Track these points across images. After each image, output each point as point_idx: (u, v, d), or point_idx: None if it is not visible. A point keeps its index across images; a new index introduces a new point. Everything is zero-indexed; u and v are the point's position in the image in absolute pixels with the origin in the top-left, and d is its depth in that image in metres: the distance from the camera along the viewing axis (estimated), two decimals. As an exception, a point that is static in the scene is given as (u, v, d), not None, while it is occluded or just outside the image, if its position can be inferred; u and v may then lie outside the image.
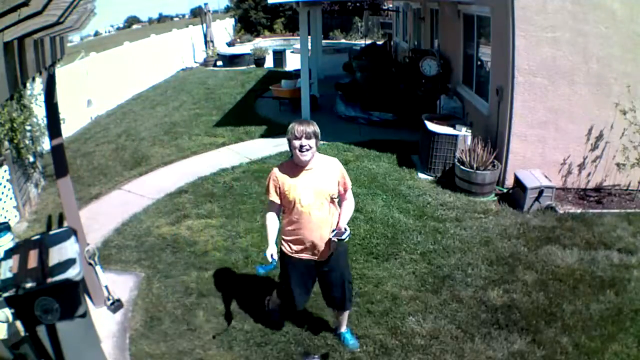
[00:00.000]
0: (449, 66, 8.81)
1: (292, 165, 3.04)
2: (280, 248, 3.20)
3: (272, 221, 3.14)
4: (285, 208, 3.10)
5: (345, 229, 2.98)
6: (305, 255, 3.13)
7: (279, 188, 3.05)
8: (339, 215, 3.12)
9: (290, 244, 3.14)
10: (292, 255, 3.15)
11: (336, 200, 3.13)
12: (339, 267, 3.22)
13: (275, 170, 3.10)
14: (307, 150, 2.92)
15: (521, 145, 5.84)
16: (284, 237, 3.17)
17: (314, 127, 2.95)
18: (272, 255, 3.00)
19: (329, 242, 3.05)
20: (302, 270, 3.20)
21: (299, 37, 11.60)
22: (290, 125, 2.96)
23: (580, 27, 5.37)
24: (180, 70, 17.43)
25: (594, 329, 3.52)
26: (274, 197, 3.08)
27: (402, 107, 9.19)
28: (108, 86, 11.85)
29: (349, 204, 3.19)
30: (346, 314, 3.49)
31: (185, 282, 4.33)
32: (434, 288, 4.11)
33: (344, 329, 3.55)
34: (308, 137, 2.91)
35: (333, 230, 3.00)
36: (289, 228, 3.10)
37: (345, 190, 3.15)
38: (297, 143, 2.92)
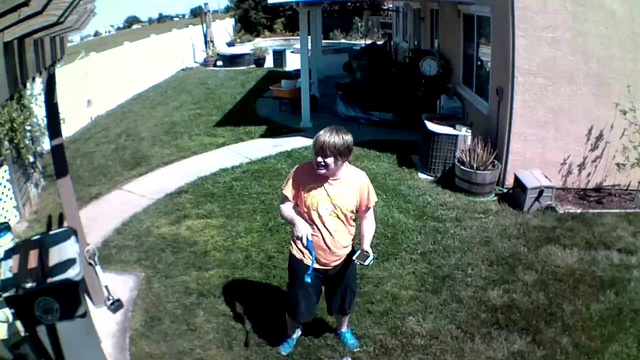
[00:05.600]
0: (449, 66, 8.81)
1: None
2: (290, 250, 3.10)
3: (288, 208, 2.95)
4: (299, 208, 2.94)
5: (368, 254, 2.84)
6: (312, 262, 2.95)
7: (297, 188, 2.90)
8: (361, 235, 2.99)
9: (300, 248, 2.99)
10: (302, 259, 2.99)
11: (354, 216, 2.97)
12: (346, 276, 3.12)
13: (299, 168, 2.95)
14: (323, 167, 2.73)
15: (521, 145, 5.84)
16: (294, 238, 2.94)
17: (339, 141, 2.65)
18: (308, 234, 2.82)
19: (336, 255, 2.97)
20: (312, 282, 2.99)
21: (299, 37, 11.60)
22: (318, 133, 2.72)
23: (580, 27, 5.37)
24: (180, 70, 17.43)
25: (594, 329, 3.52)
26: (287, 192, 2.92)
27: (402, 107, 9.19)
28: (108, 86, 11.84)
29: (369, 224, 2.99)
30: (346, 318, 3.49)
31: (185, 282, 4.33)
32: (434, 288, 4.11)
33: (344, 328, 3.54)
34: (324, 155, 2.68)
35: (356, 252, 2.93)
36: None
37: (365, 209, 2.94)
38: (316, 156, 2.73)
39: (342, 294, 3.19)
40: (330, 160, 2.70)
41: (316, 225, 2.88)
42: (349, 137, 2.73)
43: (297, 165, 3.00)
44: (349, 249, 3.05)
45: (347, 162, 2.87)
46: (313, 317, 3.31)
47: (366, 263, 2.84)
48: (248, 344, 3.53)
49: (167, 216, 5.64)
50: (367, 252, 2.87)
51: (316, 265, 2.96)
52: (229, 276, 4.38)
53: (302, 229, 2.84)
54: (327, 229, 2.88)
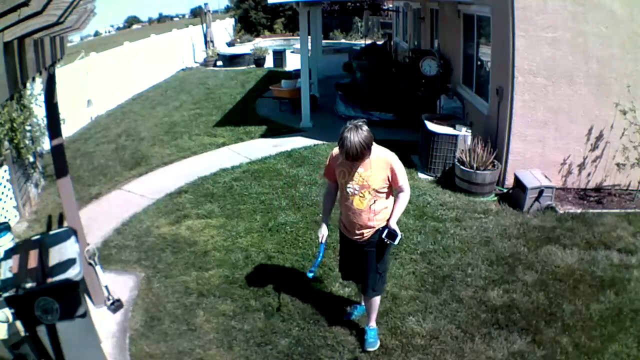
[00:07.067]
0: (449, 66, 8.81)
1: None
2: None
3: (326, 200, 3.39)
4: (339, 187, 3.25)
5: (396, 233, 3.05)
6: (346, 234, 3.30)
7: (333, 170, 3.19)
8: (391, 210, 3.15)
9: (341, 220, 3.33)
10: (341, 230, 3.37)
11: (385, 193, 3.10)
12: (375, 254, 3.23)
13: (334, 152, 3.18)
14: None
15: (521, 145, 5.83)
16: (340, 218, 3.36)
17: (361, 147, 2.83)
18: (323, 237, 3.28)
19: (359, 230, 3.16)
20: (346, 246, 3.37)
21: (299, 37, 11.60)
22: (341, 137, 2.86)
23: (580, 27, 5.37)
24: (180, 70, 17.43)
25: (594, 329, 3.52)
26: (327, 175, 3.28)
27: (402, 107, 9.19)
28: (108, 86, 11.84)
29: (401, 200, 3.15)
30: (374, 306, 3.45)
31: (185, 282, 4.33)
32: (434, 288, 4.11)
33: (370, 323, 3.52)
34: (354, 160, 2.92)
35: (384, 229, 3.09)
36: (341, 206, 3.24)
37: (396, 186, 3.10)
38: (342, 156, 2.94)
39: (366, 272, 3.29)
40: (366, 157, 2.93)
41: (346, 202, 3.14)
42: (364, 134, 2.85)
43: (333, 150, 3.21)
44: (375, 229, 3.16)
45: (375, 146, 3.02)
46: (350, 279, 3.74)
47: (396, 242, 3.07)
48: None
49: (167, 216, 5.64)
50: (394, 230, 3.06)
51: (348, 236, 3.28)
52: (229, 276, 4.38)
53: (320, 231, 3.32)
54: (353, 206, 3.10)
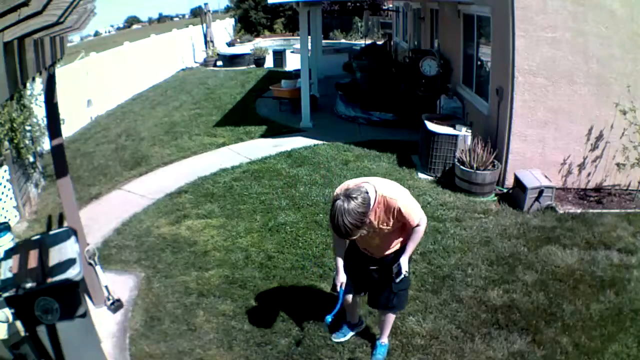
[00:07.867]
0: (449, 66, 8.82)
1: None
2: None
3: (337, 242, 3.09)
4: None
5: (401, 272, 2.91)
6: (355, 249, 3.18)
7: None
8: (404, 247, 3.00)
9: None
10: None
11: (397, 231, 2.95)
12: (390, 274, 3.07)
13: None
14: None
15: (521, 145, 5.84)
16: None
17: (346, 229, 2.56)
18: (341, 285, 3.05)
19: (378, 251, 3.06)
20: (356, 257, 3.16)
21: (299, 37, 11.60)
22: (330, 210, 2.62)
23: (580, 27, 5.37)
24: (180, 70, 17.42)
25: (594, 329, 3.52)
26: None
27: (402, 107, 9.19)
28: (108, 86, 11.84)
29: (416, 235, 2.95)
30: (388, 320, 3.34)
31: (185, 282, 4.33)
32: (434, 288, 4.11)
33: (382, 339, 3.42)
34: (348, 237, 2.70)
35: (395, 265, 2.97)
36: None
37: (410, 227, 2.91)
38: None
39: (385, 290, 3.13)
40: (358, 233, 2.67)
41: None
42: (353, 212, 2.55)
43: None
44: (395, 252, 3.05)
45: (376, 191, 2.77)
46: (361, 292, 3.39)
47: (397, 281, 2.97)
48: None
49: (167, 216, 5.65)
50: (400, 267, 2.93)
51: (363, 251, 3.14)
52: (229, 276, 4.38)
53: (339, 278, 3.08)
54: (368, 244, 3.03)
